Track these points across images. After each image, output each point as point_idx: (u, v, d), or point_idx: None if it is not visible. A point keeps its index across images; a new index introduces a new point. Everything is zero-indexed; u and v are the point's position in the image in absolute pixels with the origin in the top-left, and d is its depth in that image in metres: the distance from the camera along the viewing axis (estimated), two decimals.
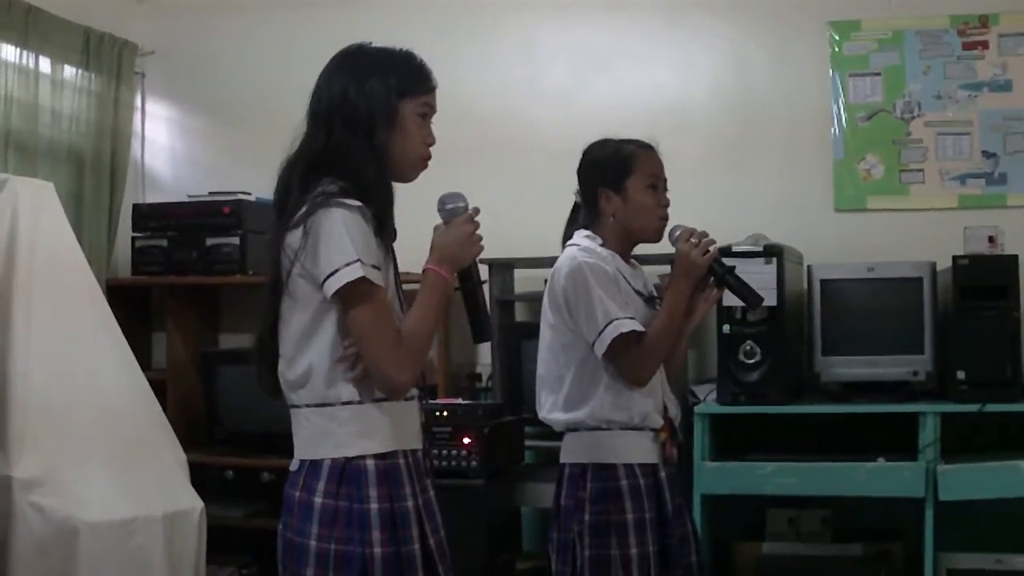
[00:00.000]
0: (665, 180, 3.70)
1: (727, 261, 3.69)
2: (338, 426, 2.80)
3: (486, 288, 3.30)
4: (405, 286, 3.00)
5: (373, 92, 2.87)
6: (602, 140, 3.73)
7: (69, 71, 5.76)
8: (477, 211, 2.95)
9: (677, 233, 3.62)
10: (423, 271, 2.89)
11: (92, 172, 5.81)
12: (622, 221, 3.64)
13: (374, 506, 2.77)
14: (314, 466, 2.81)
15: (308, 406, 2.84)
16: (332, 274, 2.71)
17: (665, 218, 3.66)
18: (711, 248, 3.59)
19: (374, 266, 2.75)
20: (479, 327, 3.03)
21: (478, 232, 2.93)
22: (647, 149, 3.69)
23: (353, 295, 2.73)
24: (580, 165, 3.73)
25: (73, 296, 4.68)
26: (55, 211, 4.76)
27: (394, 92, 2.89)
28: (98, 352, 4.66)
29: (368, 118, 2.86)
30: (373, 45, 2.98)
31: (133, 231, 5.98)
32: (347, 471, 2.78)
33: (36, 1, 5.45)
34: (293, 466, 2.88)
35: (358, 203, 2.77)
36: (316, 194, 2.79)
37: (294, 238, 2.78)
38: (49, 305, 4.51)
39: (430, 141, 2.97)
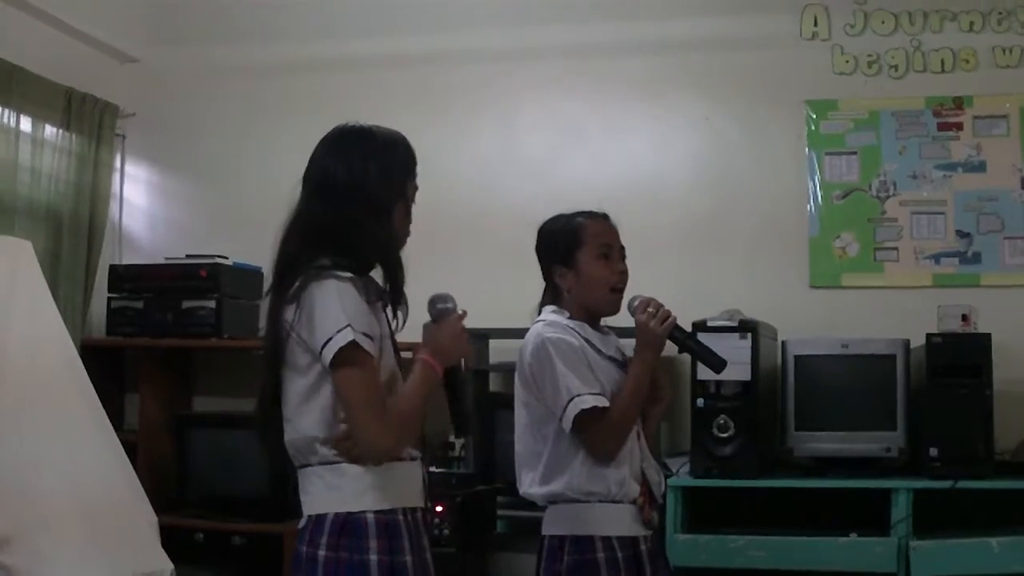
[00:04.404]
0: (621, 248, 3.70)
1: (701, 337, 3.70)
2: (345, 483, 2.88)
3: None
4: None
5: (392, 175, 3.00)
6: (554, 216, 3.73)
7: (50, 131, 5.78)
8: (465, 313, 3.07)
9: (635, 304, 3.62)
10: (416, 360, 2.98)
11: (70, 232, 5.81)
12: (577, 296, 3.64)
13: (373, 557, 2.84)
14: (318, 521, 2.89)
15: (320, 464, 2.91)
16: (327, 342, 2.81)
17: (619, 286, 3.66)
18: (669, 316, 3.59)
19: (365, 334, 2.83)
20: (461, 421, 3.14)
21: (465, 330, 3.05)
22: (597, 219, 3.69)
23: (342, 360, 2.81)
24: (536, 244, 3.75)
25: (47, 355, 4.65)
26: (32, 269, 4.76)
27: (403, 174, 3.04)
28: (70, 413, 4.62)
29: (386, 199, 2.98)
30: (373, 126, 3.07)
31: (109, 292, 5.96)
32: (348, 524, 2.86)
33: (19, 61, 5.46)
34: (301, 523, 2.95)
35: (349, 274, 2.87)
36: (310, 268, 2.88)
37: (289, 312, 2.88)
38: (23, 364, 4.48)
39: (411, 219, 3.10)
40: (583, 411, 3.45)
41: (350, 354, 2.80)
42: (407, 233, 3.08)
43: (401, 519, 2.92)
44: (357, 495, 2.88)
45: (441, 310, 3.06)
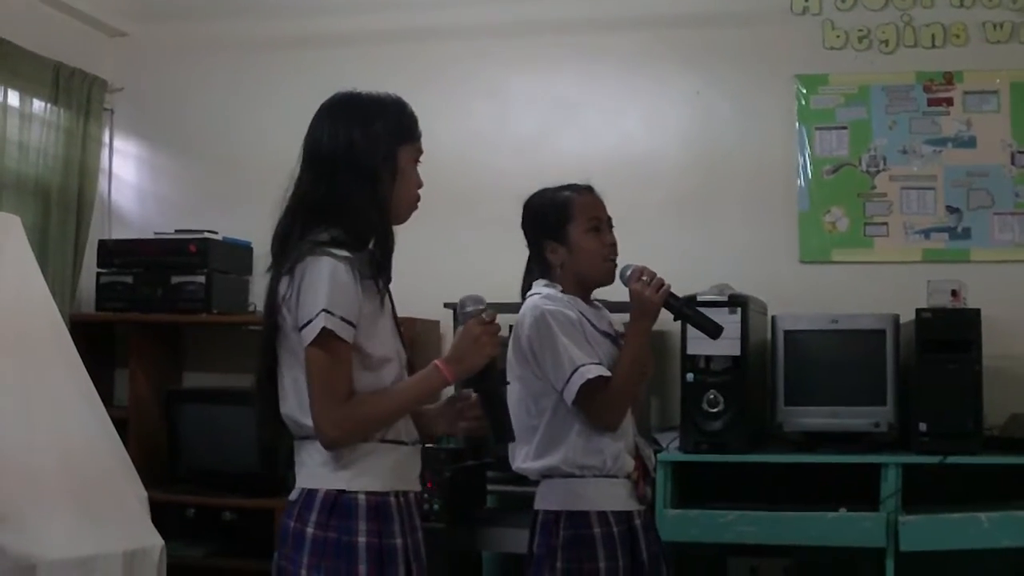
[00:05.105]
0: (608, 219, 3.71)
1: None
2: (338, 460, 2.85)
3: None
4: None
5: (377, 140, 2.93)
6: (540, 191, 3.73)
7: (38, 105, 5.76)
8: (493, 315, 2.97)
9: (628, 273, 3.61)
10: (431, 363, 2.92)
11: (58, 207, 5.80)
12: (571, 269, 3.65)
13: (362, 539, 2.82)
14: (310, 496, 2.87)
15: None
16: (306, 324, 2.78)
17: (612, 257, 3.67)
18: (663, 284, 3.58)
19: (344, 318, 2.79)
20: (498, 430, 3.03)
21: (489, 335, 2.93)
22: (583, 192, 3.70)
23: (313, 343, 2.79)
24: (523, 219, 3.74)
25: (36, 331, 4.64)
26: (20, 245, 4.74)
27: (394, 139, 2.96)
28: (60, 389, 4.62)
29: (372, 165, 2.91)
30: (365, 92, 3.02)
31: (98, 267, 5.95)
32: (338, 504, 2.84)
33: (7, 34, 5.45)
34: (292, 495, 2.92)
35: (346, 253, 2.82)
36: (306, 242, 2.84)
37: (284, 286, 2.85)
38: (11, 340, 4.47)
39: (420, 184, 3.04)
40: (588, 381, 3.46)
41: (321, 339, 2.77)
42: (414, 198, 3.02)
43: (393, 500, 2.89)
44: (352, 473, 2.85)
45: (468, 313, 2.97)
